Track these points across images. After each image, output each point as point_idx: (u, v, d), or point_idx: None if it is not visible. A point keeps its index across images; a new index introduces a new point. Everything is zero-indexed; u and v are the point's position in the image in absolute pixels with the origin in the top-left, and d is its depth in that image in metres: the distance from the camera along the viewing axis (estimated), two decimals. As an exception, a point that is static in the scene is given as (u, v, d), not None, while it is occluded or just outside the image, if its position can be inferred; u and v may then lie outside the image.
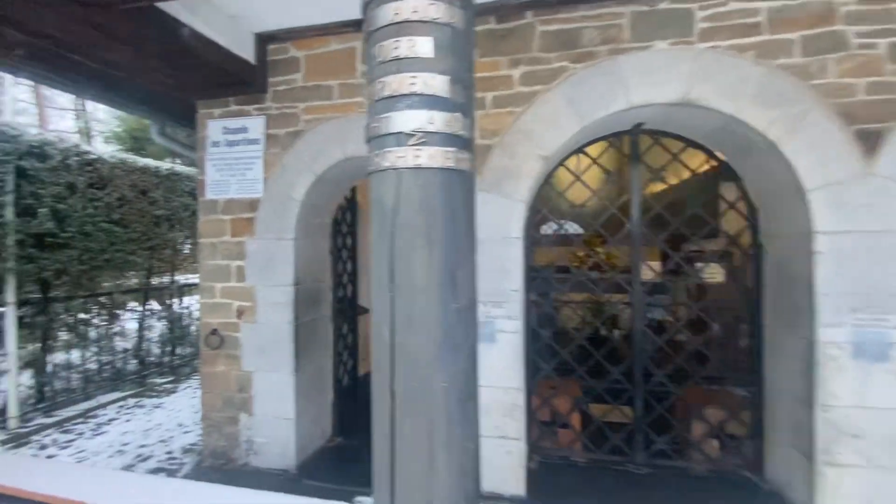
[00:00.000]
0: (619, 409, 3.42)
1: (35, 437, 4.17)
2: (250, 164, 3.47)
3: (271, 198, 3.45)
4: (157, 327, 6.25)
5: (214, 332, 3.53)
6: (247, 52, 3.27)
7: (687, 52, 2.80)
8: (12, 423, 4.29)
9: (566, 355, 3.42)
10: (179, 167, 6.10)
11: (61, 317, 4.95)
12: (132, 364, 5.85)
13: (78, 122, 14.05)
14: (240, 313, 3.51)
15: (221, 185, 3.52)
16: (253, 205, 3.48)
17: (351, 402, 4.33)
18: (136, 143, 8.41)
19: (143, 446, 3.93)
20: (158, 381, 5.82)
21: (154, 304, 6.29)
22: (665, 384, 3.35)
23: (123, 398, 5.20)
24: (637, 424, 3.35)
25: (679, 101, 2.80)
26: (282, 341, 3.42)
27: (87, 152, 4.80)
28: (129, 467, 3.55)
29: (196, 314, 6.84)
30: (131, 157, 5.33)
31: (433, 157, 1.18)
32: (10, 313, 4.29)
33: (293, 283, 3.42)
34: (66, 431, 4.32)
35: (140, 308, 6.09)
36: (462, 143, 1.22)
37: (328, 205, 3.84)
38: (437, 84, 1.19)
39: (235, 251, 3.53)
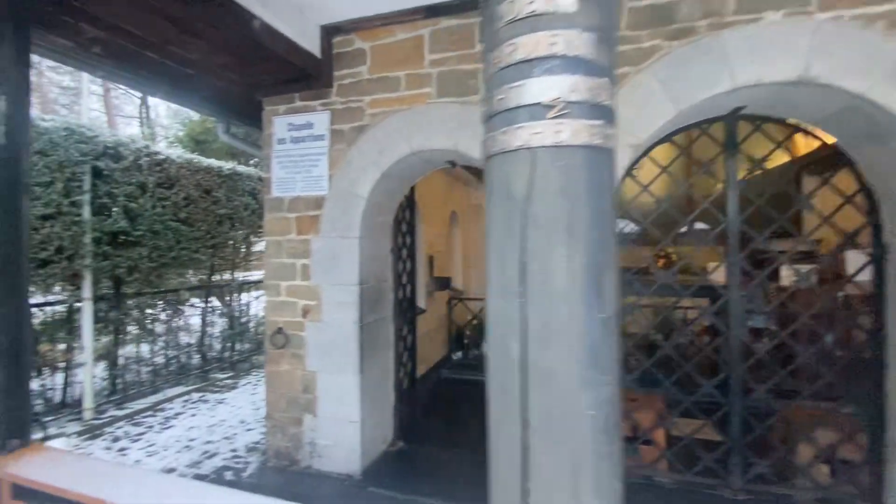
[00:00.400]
0: (712, 426, 3.07)
1: (108, 429, 4.31)
2: (315, 160, 3.39)
3: (336, 195, 3.35)
4: (218, 324, 6.40)
5: (280, 330, 3.48)
6: (312, 45, 3.19)
7: (805, 24, 2.44)
8: (87, 415, 4.46)
9: (649, 365, 3.12)
10: (240, 167, 6.23)
11: (131, 312, 5.13)
12: (195, 359, 6.02)
13: (143, 129, 14.90)
14: (305, 312, 3.44)
15: (287, 183, 3.47)
16: (318, 202, 3.40)
17: (411, 406, 4.20)
18: (198, 146, 8.73)
19: (208, 442, 3.96)
20: (220, 376, 5.94)
21: (215, 301, 6.45)
22: (767, 400, 2.98)
23: (188, 392, 5.33)
24: (734, 444, 2.99)
25: (796, 80, 2.45)
26: (347, 342, 3.32)
27: (156, 153, 4.95)
28: (195, 464, 3.57)
29: (254, 311, 6.99)
30: (196, 158, 5.46)
31: (577, 132, 0.96)
32: (87, 308, 4.47)
33: (358, 282, 3.31)
34: (136, 424, 4.45)
35: (202, 305, 6.25)
36: (609, 115, 1.01)
37: (391, 202, 3.71)
38: (582, 43, 0.98)
39: (300, 249, 3.46)
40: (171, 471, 3.46)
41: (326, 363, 3.38)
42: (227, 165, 5.94)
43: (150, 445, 3.93)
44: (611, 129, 1.02)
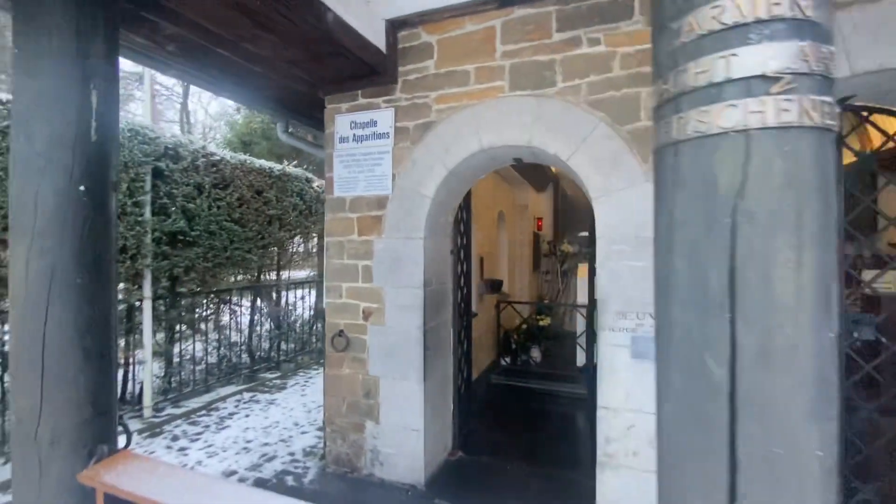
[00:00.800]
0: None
1: (167, 427, 4.35)
2: (379, 159, 3.30)
3: (400, 195, 3.25)
4: (266, 324, 6.43)
5: (341, 333, 3.40)
6: (378, 39, 3.09)
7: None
8: (147, 413, 4.52)
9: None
10: (290, 168, 6.25)
11: (186, 312, 5.19)
12: (244, 359, 6.06)
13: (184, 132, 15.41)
14: (366, 315, 3.35)
15: (349, 182, 3.39)
16: (381, 202, 3.31)
17: (466, 414, 4.05)
18: (245, 147, 8.87)
19: (265, 444, 3.93)
20: (268, 376, 5.96)
21: (263, 301, 6.49)
22: (874, 419, 2.68)
23: (239, 392, 5.36)
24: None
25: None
26: (411, 347, 3.20)
27: (212, 154, 4.99)
28: (256, 467, 3.53)
29: (300, 311, 7.01)
30: (249, 159, 5.50)
31: (806, 111, 0.79)
32: (147, 307, 4.53)
33: (423, 285, 3.19)
34: (193, 423, 4.47)
35: (251, 304, 6.29)
36: (832, 90, 0.83)
37: (453, 202, 3.58)
38: (811, 3, 0.81)
39: (362, 250, 3.37)
40: (232, 473, 3.43)
41: (389, 368, 3.27)
42: (278, 166, 5.97)
43: (209, 446, 3.93)
44: (837, 108, 0.84)
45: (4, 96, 3.28)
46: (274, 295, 6.73)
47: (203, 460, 3.65)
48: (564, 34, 2.83)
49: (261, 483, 3.30)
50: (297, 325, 6.91)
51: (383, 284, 3.30)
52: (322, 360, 7.07)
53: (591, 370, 3.52)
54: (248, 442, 3.99)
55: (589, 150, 2.77)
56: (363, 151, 3.35)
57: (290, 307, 6.85)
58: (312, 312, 7.27)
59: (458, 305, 3.92)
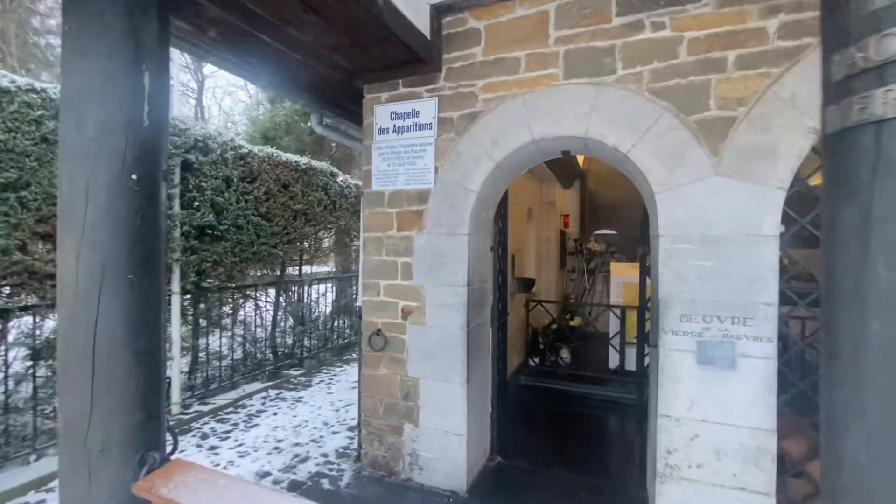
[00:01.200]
0: None
1: (195, 425, 4.28)
2: (421, 151, 3.16)
3: (443, 189, 3.10)
4: (290, 320, 6.35)
5: (378, 332, 3.28)
6: (423, 24, 2.94)
7: None
8: (175, 409, 4.45)
9: (805, 387, 2.68)
10: (315, 162, 6.13)
11: (213, 307, 5.12)
12: (267, 355, 5.99)
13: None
14: (406, 314, 3.22)
15: (389, 176, 3.25)
16: (422, 196, 3.17)
17: (502, 416, 3.91)
18: (268, 142, 8.79)
19: (297, 444, 3.83)
20: (293, 373, 5.88)
21: (285, 296, 6.40)
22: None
23: (264, 389, 5.28)
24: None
25: None
26: (453, 348, 3.07)
27: (240, 146, 4.89)
28: (289, 468, 3.43)
29: (322, 307, 6.92)
30: (276, 152, 5.39)
31: None
32: (176, 302, 4.45)
33: (466, 283, 3.05)
34: (221, 421, 4.40)
35: (273, 300, 6.21)
36: None
37: (495, 197, 3.42)
38: None
39: (402, 247, 3.24)
40: (265, 475, 3.34)
41: (430, 369, 3.14)
42: (304, 160, 5.86)
43: (240, 445, 3.84)
44: None
45: (39, 84, 3.19)
46: (296, 291, 6.64)
47: (235, 460, 3.56)
48: (625, 18, 2.65)
49: (296, 486, 3.19)
50: (320, 321, 6.82)
51: (424, 282, 3.17)
52: (345, 357, 7.01)
53: (642, 375, 3.35)
54: (279, 441, 3.90)
55: (652, 142, 2.59)
56: (404, 143, 3.21)
57: (314, 303, 6.76)
58: (331, 309, 7.19)
59: (497, 304, 3.77)
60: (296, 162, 5.68)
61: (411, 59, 3.02)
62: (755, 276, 2.37)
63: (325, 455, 3.65)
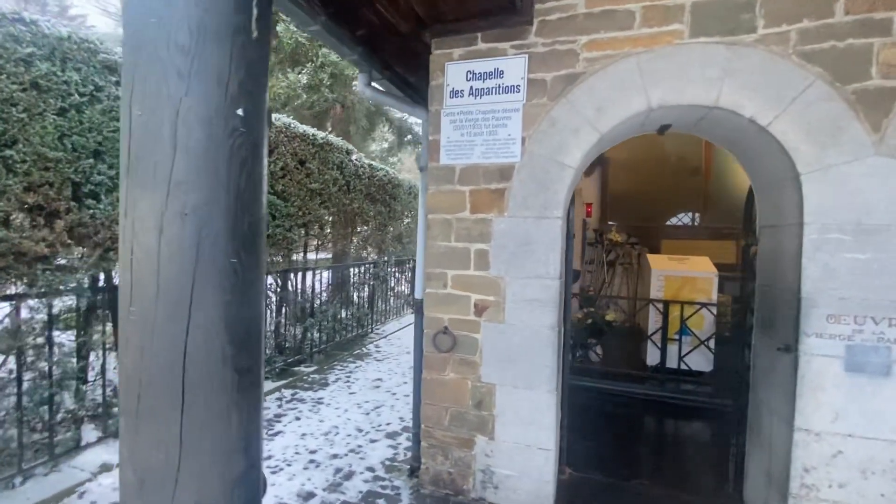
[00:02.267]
0: None
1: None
2: (503, 119, 2.68)
3: (531, 163, 2.65)
4: (297, 311, 5.77)
5: (445, 330, 2.81)
6: (517, -34, 2.45)
7: None
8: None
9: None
10: (332, 137, 5.52)
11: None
12: (272, 350, 5.40)
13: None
14: (480, 310, 2.77)
15: (462, 147, 2.77)
16: (504, 172, 2.70)
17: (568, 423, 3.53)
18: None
19: (334, 456, 3.34)
20: (304, 370, 5.34)
21: (294, 284, 5.81)
22: None
23: (277, 389, 4.74)
24: None
25: None
26: (540, 350, 2.65)
27: (257, 113, 4.26)
28: (334, 487, 2.95)
29: (324, 296, 6.35)
30: (293, 123, 4.75)
31: None
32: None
33: (559, 275, 2.62)
34: (236, 426, 3.83)
35: (280, 289, 5.61)
36: None
37: (581, 174, 2.99)
38: None
39: (476, 231, 2.77)
40: (310, 496, 2.84)
41: (509, 375, 2.71)
42: (321, 134, 5.24)
43: (268, 457, 3.32)
44: None
45: (29, 15, 2.52)
46: (303, 278, 6.05)
47: (268, 477, 3.04)
48: (771, -35, 2.24)
49: (350, 509, 2.72)
50: (329, 313, 6.26)
51: (503, 273, 2.72)
52: (356, 352, 6.48)
53: (741, 378, 3.03)
54: (313, 453, 3.39)
55: (799, 114, 2.21)
56: (483, 109, 2.72)
57: (318, 293, 6.19)
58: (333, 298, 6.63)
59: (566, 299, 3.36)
60: (313, 135, 5.06)
61: (496, 8, 2.54)
62: (932, 272, 2.03)
63: (371, 469, 3.18)
